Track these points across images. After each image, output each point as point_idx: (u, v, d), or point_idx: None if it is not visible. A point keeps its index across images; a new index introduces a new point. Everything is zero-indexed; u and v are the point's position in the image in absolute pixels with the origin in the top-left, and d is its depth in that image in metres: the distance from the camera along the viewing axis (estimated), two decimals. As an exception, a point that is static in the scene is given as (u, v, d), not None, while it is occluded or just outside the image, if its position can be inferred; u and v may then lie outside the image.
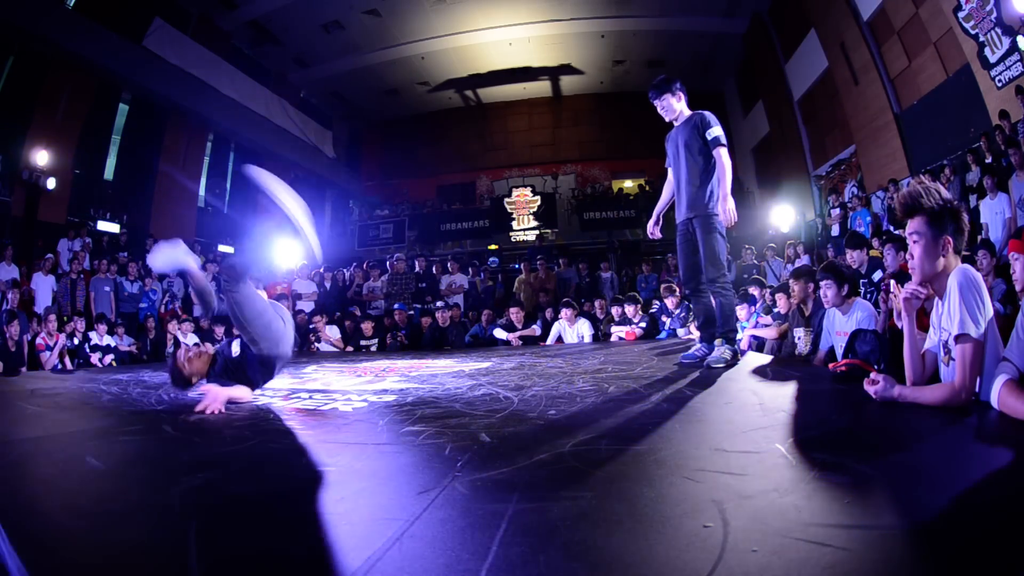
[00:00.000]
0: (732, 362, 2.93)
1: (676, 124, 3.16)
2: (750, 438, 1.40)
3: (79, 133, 9.47)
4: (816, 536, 0.77)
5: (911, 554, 0.74)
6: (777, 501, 0.94)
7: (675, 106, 3.11)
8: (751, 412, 1.77)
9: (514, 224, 15.25)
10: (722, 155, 2.94)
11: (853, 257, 4.13)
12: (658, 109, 3.16)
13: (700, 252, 3.04)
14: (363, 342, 6.82)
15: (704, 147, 2.99)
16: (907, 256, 1.72)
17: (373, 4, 11.75)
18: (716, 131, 2.96)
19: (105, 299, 7.27)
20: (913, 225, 1.67)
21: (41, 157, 8.45)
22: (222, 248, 11.57)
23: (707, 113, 3.03)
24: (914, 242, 1.67)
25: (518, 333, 6.45)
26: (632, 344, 5.44)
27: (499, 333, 6.51)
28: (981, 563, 0.71)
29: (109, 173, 10.55)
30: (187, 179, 11.60)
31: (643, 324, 6.06)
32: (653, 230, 3.33)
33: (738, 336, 4.73)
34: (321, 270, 9.42)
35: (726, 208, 2.90)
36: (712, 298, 3.11)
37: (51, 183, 8.59)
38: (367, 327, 6.95)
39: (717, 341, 3.02)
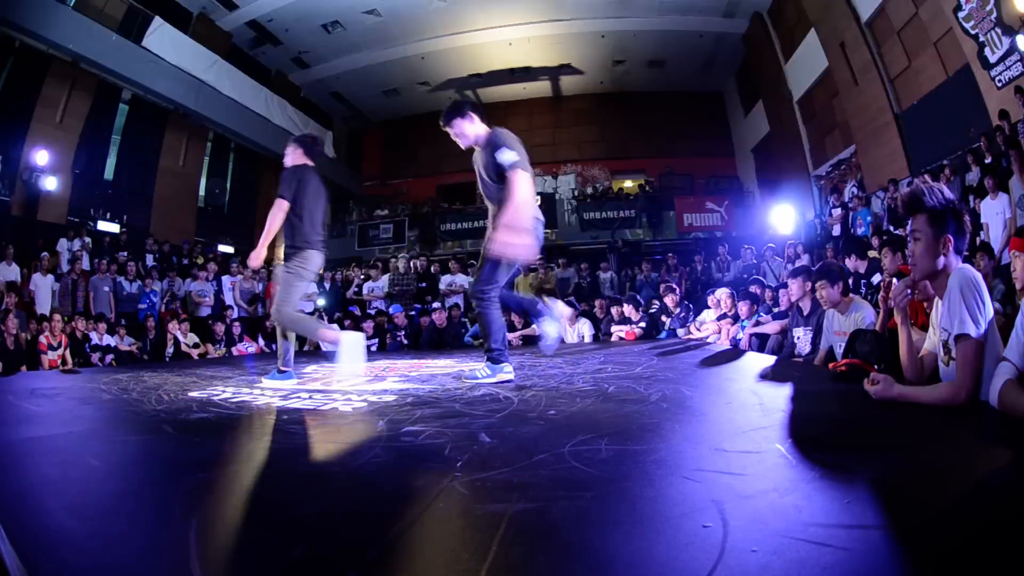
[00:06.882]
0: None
1: (477, 148, 2.87)
2: (750, 438, 1.40)
3: (79, 133, 9.47)
4: (816, 536, 0.77)
5: (911, 554, 0.74)
6: (777, 501, 0.94)
7: (468, 130, 2.81)
8: (751, 412, 1.77)
9: (514, 224, 15.20)
10: (515, 179, 2.59)
11: (855, 263, 4.15)
12: (451, 136, 2.88)
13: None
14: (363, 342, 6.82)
15: (499, 169, 2.68)
16: (908, 253, 1.74)
17: (373, 4, 11.74)
18: (506, 154, 2.60)
19: (104, 299, 7.27)
20: (915, 223, 1.70)
21: (41, 157, 8.44)
22: (222, 248, 11.57)
23: (500, 132, 2.75)
24: (915, 240, 1.69)
25: (518, 333, 6.44)
26: (632, 344, 5.44)
27: (499, 333, 6.50)
28: (981, 563, 0.71)
29: (109, 173, 10.56)
30: (187, 179, 11.59)
31: (643, 324, 6.06)
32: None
33: (739, 336, 4.75)
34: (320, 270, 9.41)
35: (498, 239, 2.57)
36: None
37: (51, 183, 8.59)
38: (367, 327, 6.95)
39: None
